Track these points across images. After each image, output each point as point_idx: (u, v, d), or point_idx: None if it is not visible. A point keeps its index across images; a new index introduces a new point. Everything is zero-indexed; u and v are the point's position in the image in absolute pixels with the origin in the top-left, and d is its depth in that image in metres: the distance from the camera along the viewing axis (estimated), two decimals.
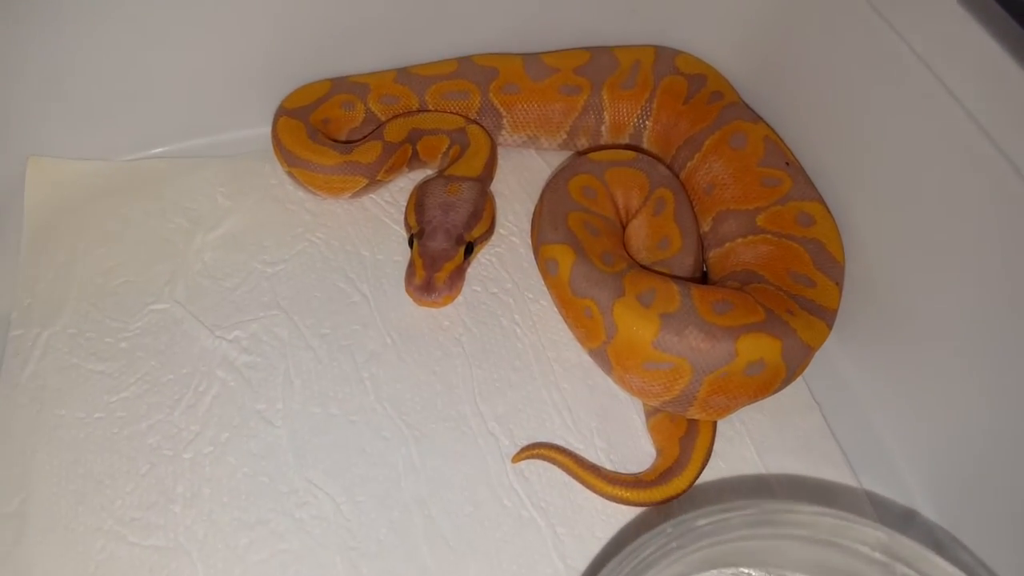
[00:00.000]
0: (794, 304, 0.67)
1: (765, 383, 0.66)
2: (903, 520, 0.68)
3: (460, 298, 0.76)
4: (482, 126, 0.84)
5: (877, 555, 0.51)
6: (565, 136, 0.87)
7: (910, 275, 0.69)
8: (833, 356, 0.76)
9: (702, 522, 0.49)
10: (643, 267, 0.72)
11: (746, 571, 0.55)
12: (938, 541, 0.66)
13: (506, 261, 0.80)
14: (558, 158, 0.89)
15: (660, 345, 0.63)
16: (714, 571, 0.56)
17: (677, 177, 0.81)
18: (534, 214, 0.79)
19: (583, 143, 0.87)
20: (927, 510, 0.68)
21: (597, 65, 0.85)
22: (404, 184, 0.85)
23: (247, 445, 0.68)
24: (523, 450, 0.69)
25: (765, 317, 0.64)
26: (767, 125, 0.81)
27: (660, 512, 0.67)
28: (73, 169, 0.82)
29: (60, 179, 0.81)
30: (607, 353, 0.67)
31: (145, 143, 0.84)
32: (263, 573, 0.62)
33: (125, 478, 0.66)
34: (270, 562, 0.63)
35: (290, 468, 0.67)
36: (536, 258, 0.76)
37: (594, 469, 0.67)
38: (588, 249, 0.70)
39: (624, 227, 0.79)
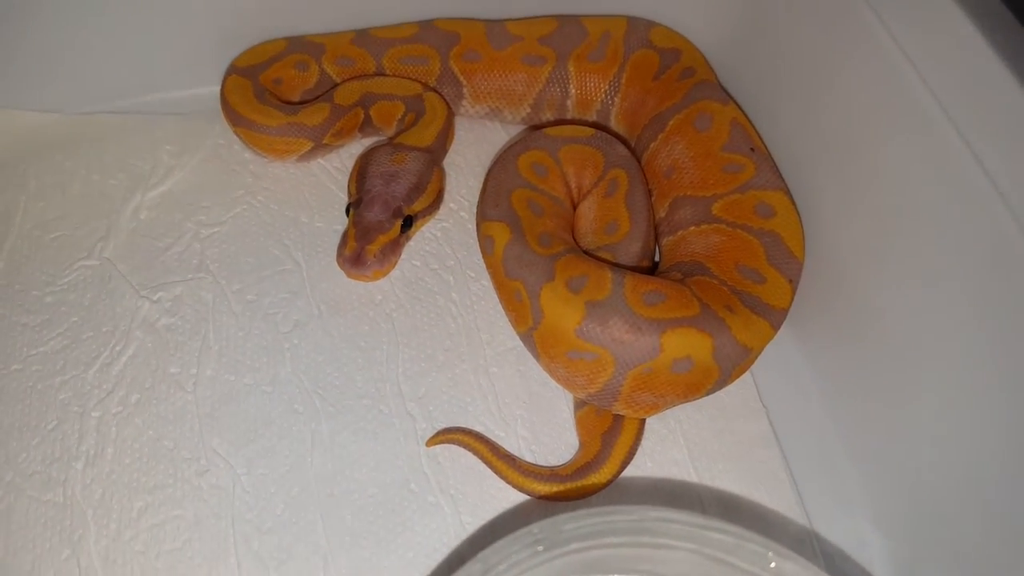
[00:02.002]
0: (736, 300, 0.62)
1: (694, 383, 0.61)
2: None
3: (397, 272, 0.73)
4: (441, 95, 0.80)
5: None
6: (529, 109, 0.82)
7: (880, 276, 0.64)
8: (788, 357, 0.71)
9: (569, 525, 0.45)
10: (584, 252, 0.68)
11: None
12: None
13: (452, 237, 0.77)
14: (522, 132, 0.85)
15: (583, 334, 0.59)
16: None
17: (638, 159, 0.76)
18: (481, 189, 0.75)
19: (548, 117, 0.83)
20: (877, 543, 0.62)
21: (564, 35, 0.80)
22: (356, 150, 0.82)
23: (156, 408, 0.66)
24: (439, 433, 0.65)
25: (699, 312, 0.60)
26: (737, 107, 0.75)
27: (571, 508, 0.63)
28: (24, 120, 0.80)
29: (10, 130, 0.80)
30: (534, 339, 0.64)
31: (101, 97, 0.83)
32: (155, 537, 0.61)
33: (32, 432, 0.65)
34: (163, 527, 0.61)
35: (195, 434, 0.65)
36: (477, 235, 0.72)
37: (509, 459, 0.64)
38: (527, 229, 0.66)
39: (574, 208, 0.74)
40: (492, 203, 0.69)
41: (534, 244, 0.65)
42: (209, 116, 0.82)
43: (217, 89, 0.80)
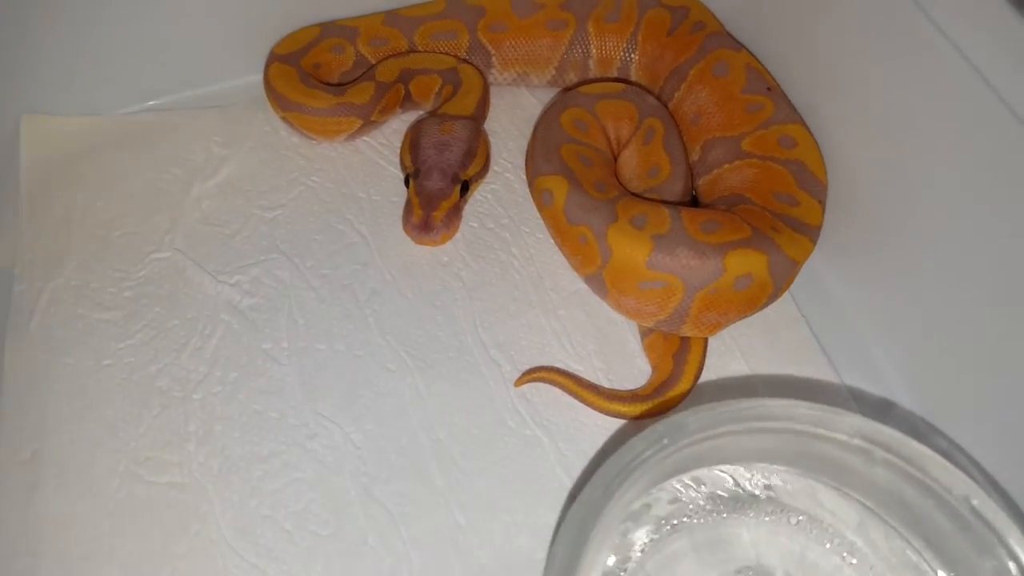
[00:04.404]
0: (779, 222, 0.69)
1: (753, 297, 0.68)
2: (883, 412, 0.71)
3: (458, 235, 0.78)
4: (474, 65, 0.85)
5: (856, 442, 0.54)
6: (554, 72, 0.88)
7: (889, 189, 0.71)
8: (818, 271, 0.78)
9: (691, 419, 0.52)
10: (634, 194, 0.73)
11: (728, 468, 0.58)
12: (916, 429, 0.68)
13: (502, 197, 0.82)
14: (549, 95, 0.90)
15: (653, 264, 0.65)
16: (703, 470, 0.58)
17: (666, 107, 0.82)
18: (528, 149, 0.80)
19: (572, 78, 0.88)
20: (905, 401, 0.70)
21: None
22: (397, 125, 0.86)
23: (256, 383, 0.70)
24: (525, 374, 0.71)
25: (751, 234, 0.66)
26: (749, 52, 0.82)
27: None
28: (67, 125, 0.82)
29: (55, 136, 0.82)
30: (603, 277, 0.69)
31: (137, 97, 0.85)
32: (278, 502, 0.64)
33: (137, 421, 0.68)
34: (285, 491, 0.65)
35: (299, 402, 0.69)
36: (531, 191, 0.77)
37: (593, 387, 0.70)
38: (582, 178, 0.72)
39: (616, 158, 0.80)
40: (544, 159, 0.74)
41: (592, 191, 0.71)
42: (249, 105, 0.85)
43: (253, 79, 0.84)
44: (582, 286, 0.76)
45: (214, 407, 0.68)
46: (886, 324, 0.74)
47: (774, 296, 0.69)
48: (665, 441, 0.52)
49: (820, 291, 0.77)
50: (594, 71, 0.88)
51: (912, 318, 0.70)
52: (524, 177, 0.83)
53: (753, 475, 0.60)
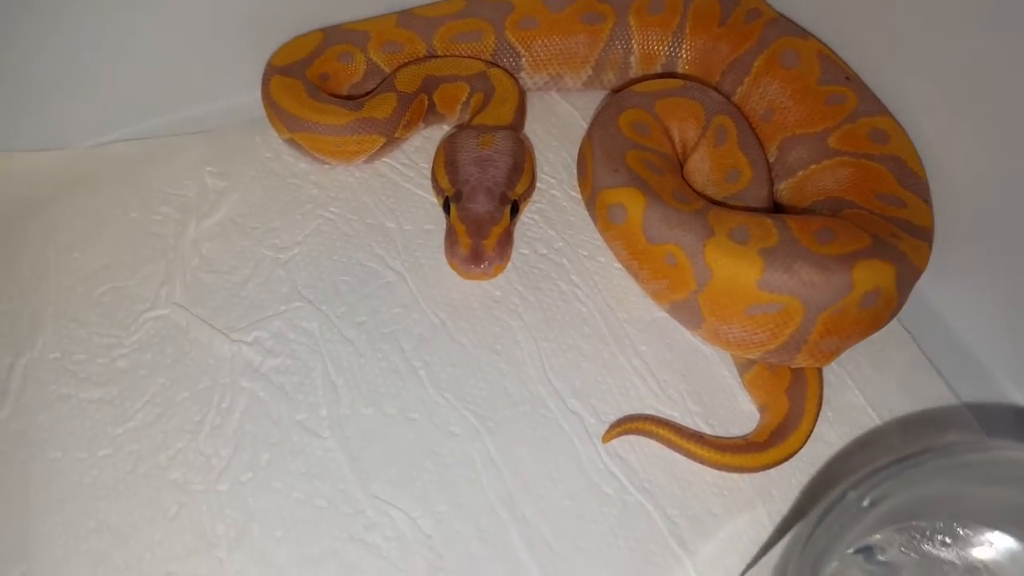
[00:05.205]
0: (893, 226, 0.60)
1: (878, 315, 0.59)
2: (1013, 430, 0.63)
3: (508, 264, 0.66)
4: (505, 69, 0.74)
5: None
6: (591, 72, 0.77)
7: (1001, 185, 0.63)
8: (920, 282, 0.69)
9: (887, 479, 0.41)
10: (721, 204, 0.64)
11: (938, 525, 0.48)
12: None
13: (550, 217, 0.71)
14: (583, 99, 0.79)
15: (767, 284, 0.55)
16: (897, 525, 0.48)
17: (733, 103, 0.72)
18: (581, 159, 0.69)
19: (610, 79, 0.78)
20: None
21: None
22: (418, 143, 0.74)
23: (293, 464, 0.57)
24: (613, 426, 0.60)
25: (872, 242, 0.57)
26: (817, 39, 0.73)
27: (775, 477, 0.59)
28: (30, 163, 0.69)
29: (15, 177, 0.69)
30: (698, 303, 0.59)
31: (110, 124, 0.72)
32: None
33: (150, 525, 0.55)
34: None
35: (350, 484, 0.57)
36: (591, 208, 0.67)
37: (697, 437, 0.59)
38: (657, 189, 0.61)
39: (683, 163, 0.70)
40: (609, 169, 0.64)
41: (673, 202, 0.60)
42: (245, 127, 0.73)
43: (246, 97, 0.72)
44: (660, 314, 0.66)
45: (245, 500, 0.56)
46: (1004, 335, 0.65)
47: (895, 312, 0.60)
48: (865, 504, 0.42)
49: (924, 303, 0.68)
50: (635, 69, 0.78)
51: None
52: (574, 193, 0.72)
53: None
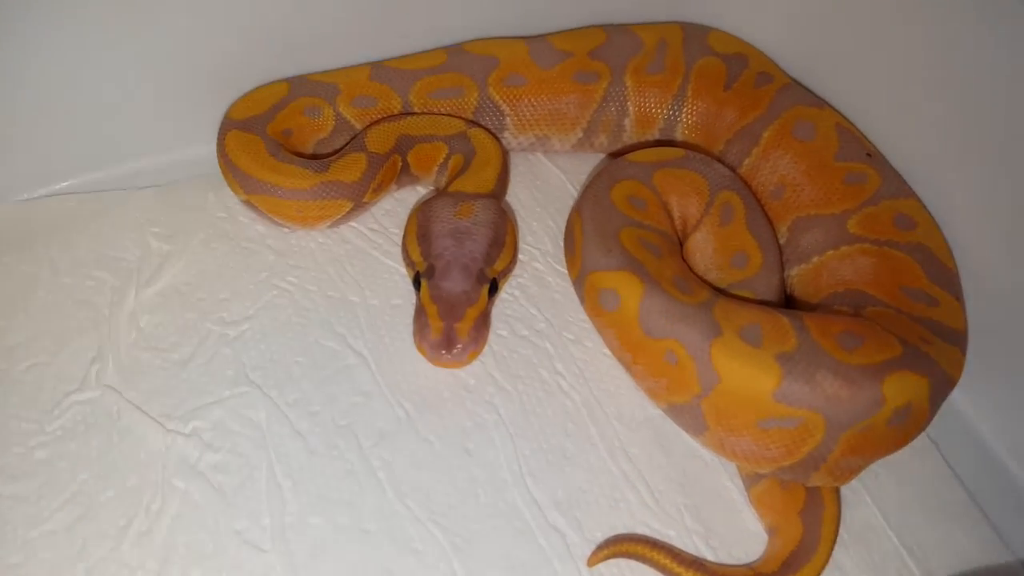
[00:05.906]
0: (923, 329, 0.53)
1: (906, 432, 0.52)
2: None
3: (484, 349, 0.59)
4: (487, 130, 0.67)
5: None
6: (581, 135, 0.71)
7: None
8: None
9: None
10: (726, 293, 0.57)
11: None
12: None
13: (532, 294, 0.64)
14: (572, 161, 0.73)
15: (784, 396, 0.48)
16: None
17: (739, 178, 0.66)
18: (568, 234, 0.63)
19: (602, 141, 0.72)
20: None
21: (616, 46, 0.70)
22: (389, 205, 0.67)
23: None
24: (600, 547, 0.52)
25: (903, 350, 0.50)
26: (834, 110, 0.67)
27: None
28: None
29: None
30: (701, 409, 0.52)
31: (45, 177, 0.64)
32: None
33: None
34: None
35: None
36: (579, 289, 0.60)
37: (697, 565, 0.52)
38: (656, 274, 0.54)
39: (682, 242, 0.63)
40: (601, 249, 0.57)
41: (675, 292, 0.53)
42: (197, 183, 0.66)
43: (200, 150, 0.65)
44: (655, 411, 0.58)
45: None
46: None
47: (924, 428, 0.53)
48: None
49: (949, 410, 0.61)
50: (630, 132, 0.71)
51: None
52: (559, 267, 0.65)
53: None
